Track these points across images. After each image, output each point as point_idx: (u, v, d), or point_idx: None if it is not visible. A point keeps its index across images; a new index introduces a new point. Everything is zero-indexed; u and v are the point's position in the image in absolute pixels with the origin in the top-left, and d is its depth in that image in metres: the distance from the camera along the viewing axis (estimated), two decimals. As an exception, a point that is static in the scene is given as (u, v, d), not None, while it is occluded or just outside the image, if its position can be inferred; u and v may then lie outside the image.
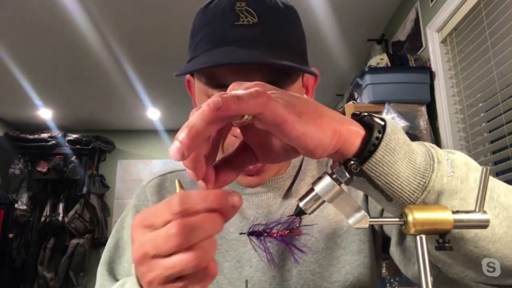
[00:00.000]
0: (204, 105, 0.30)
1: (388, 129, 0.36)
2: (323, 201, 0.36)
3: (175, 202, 0.32)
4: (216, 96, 0.30)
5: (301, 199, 0.37)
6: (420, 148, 0.39)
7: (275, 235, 0.40)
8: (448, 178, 0.38)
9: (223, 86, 0.54)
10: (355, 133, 0.36)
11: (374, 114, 0.38)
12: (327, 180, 0.35)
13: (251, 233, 0.42)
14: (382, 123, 0.37)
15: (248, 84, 0.34)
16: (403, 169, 0.36)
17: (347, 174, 0.34)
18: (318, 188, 0.35)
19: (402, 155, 0.37)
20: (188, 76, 0.66)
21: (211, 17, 0.56)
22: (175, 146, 0.29)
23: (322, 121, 0.34)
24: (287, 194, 0.65)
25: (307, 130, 0.32)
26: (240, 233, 0.48)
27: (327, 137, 0.34)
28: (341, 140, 0.35)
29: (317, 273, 0.60)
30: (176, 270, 0.31)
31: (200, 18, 0.58)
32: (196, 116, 0.29)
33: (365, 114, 0.39)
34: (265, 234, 0.40)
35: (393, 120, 0.38)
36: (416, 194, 0.37)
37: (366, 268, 0.61)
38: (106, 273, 0.64)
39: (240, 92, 0.31)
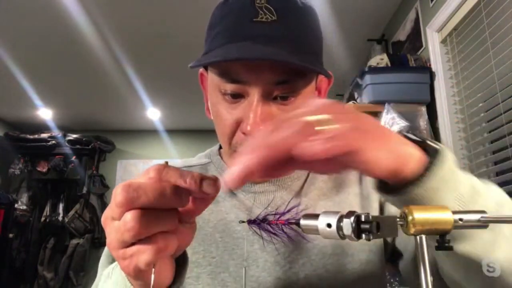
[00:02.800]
0: (300, 148, 0.30)
1: (443, 157, 0.37)
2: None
3: (151, 174, 0.34)
4: (305, 142, 0.30)
5: (304, 217, 0.37)
6: (465, 178, 0.40)
7: (275, 223, 0.41)
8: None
9: (236, 81, 0.53)
10: (414, 158, 0.37)
11: (428, 138, 0.39)
12: (332, 231, 0.34)
13: (251, 222, 0.42)
14: (437, 147, 0.38)
15: (316, 105, 0.34)
16: (449, 199, 0.37)
17: (354, 238, 0.33)
18: (320, 227, 0.35)
19: (452, 184, 0.38)
20: (201, 70, 0.65)
21: (229, 11, 0.55)
22: (232, 174, 0.30)
23: (390, 146, 0.35)
24: (296, 196, 0.64)
25: (376, 156, 0.33)
26: (240, 221, 0.47)
27: (391, 161, 0.35)
28: (400, 163, 0.36)
29: (324, 279, 0.59)
30: (120, 233, 0.32)
31: (219, 12, 0.58)
32: (270, 151, 0.31)
33: (420, 138, 0.39)
34: (267, 221, 0.41)
35: (446, 147, 0.39)
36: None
37: (374, 277, 0.60)
38: (108, 264, 0.63)
39: (321, 136, 0.31)
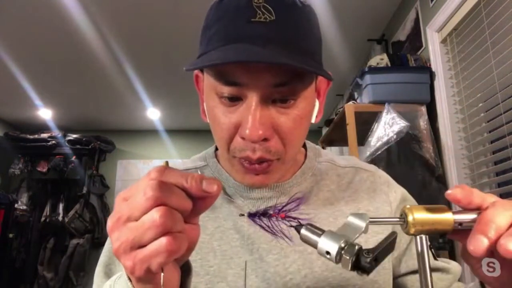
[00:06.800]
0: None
1: None
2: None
3: (152, 175, 0.35)
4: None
5: (306, 228, 0.37)
6: None
7: (275, 216, 0.41)
8: None
9: (234, 84, 0.51)
10: None
11: None
12: (334, 248, 0.34)
13: (251, 215, 0.42)
14: None
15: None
16: None
17: (349, 266, 0.32)
18: (320, 249, 0.35)
19: None
20: (196, 71, 0.63)
21: (226, 12, 0.52)
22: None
23: None
24: (295, 202, 0.62)
25: None
26: (240, 215, 0.46)
27: None
28: None
29: None
30: (139, 232, 0.33)
31: (214, 13, 0.55)
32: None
33: None
34: (269, 214, 0.41)
35: None
36: None
37: None
38: (104, 275, 0.63)
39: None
